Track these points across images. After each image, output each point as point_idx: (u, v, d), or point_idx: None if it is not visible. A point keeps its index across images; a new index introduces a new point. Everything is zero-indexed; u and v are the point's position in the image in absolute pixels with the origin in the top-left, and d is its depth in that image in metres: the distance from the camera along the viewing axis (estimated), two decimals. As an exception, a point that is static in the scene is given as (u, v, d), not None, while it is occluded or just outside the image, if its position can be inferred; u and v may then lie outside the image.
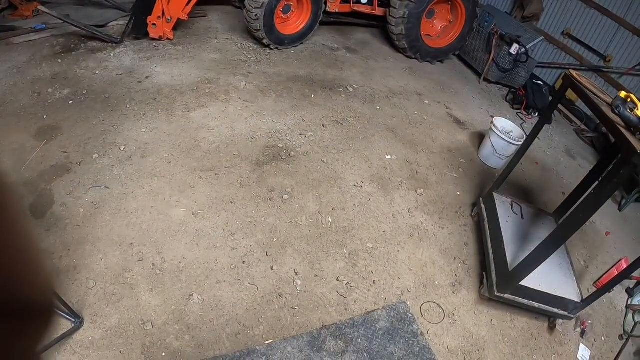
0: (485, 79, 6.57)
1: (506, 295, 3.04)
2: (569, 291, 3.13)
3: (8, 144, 3.64)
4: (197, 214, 3.34)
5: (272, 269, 3.08)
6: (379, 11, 6.50)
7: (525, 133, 4.47)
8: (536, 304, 3.08)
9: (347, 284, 3.10)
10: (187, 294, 2.81)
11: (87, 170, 3.53)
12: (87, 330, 2.54)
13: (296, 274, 3.08)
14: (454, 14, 6.55)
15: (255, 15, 5.31)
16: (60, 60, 4.82)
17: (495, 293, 3.06)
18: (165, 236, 3.14)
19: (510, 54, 6.14)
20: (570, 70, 3.02)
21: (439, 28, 6.75)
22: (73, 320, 2.51)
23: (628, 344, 3.32)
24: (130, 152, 3.76)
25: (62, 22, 5.06)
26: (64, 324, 2.51)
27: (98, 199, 3.31)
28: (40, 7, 5.09)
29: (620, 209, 4.84)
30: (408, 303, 3.07)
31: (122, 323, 2.61)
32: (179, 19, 5.41)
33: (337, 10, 6.35)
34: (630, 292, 3.72)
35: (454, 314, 3.10)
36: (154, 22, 5.24)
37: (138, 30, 5.36)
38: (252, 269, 3.05)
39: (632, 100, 2.50)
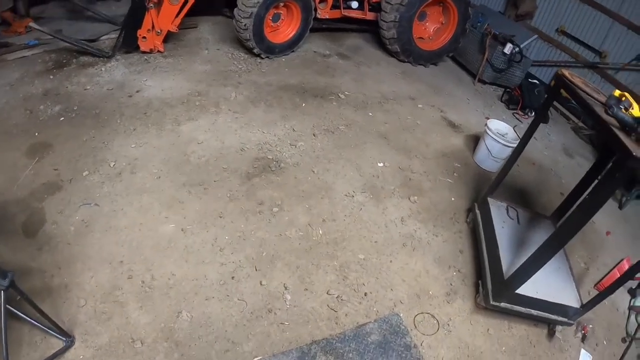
0: (480, 80, 6.52)
1: (502, 304, 2.99)
2: (568, 297, 3.07)
3: (0, 162, 3.64)
4: (186, 229, 3.32)
5: (261, 284, 3.04)
6: (369, 16, 6.48)
7: (519, 136, 4.41)
8: (534, 312, 3.03)
9: (337, 297, 3.06)
10: (176, 311, 2.79)
11: (77, 187, 3.53)
12: (78, 349, 2.54)
13: (286, 288, 3.05)
14: (446, 15, 6.51)
15: (245, 25, 5.30)
16: (52, 77, 4.82)
17: (491, 302, 3.01)
18: (155, 253, 3.12)
19: (505, 54, 6.10)
20: (562, 69, 2.96)
21: (432, 30, 6.70)
22: (64, 339, 2.52)
23: (631, 347, 3.26)
24: (120, 168, 3.75)
25: (53, 37, 5.07)
26: (55, 343, 2.51)
27: (88, 217, 3.30)
28: (32, 24, 5.12)
29: (620, 207, 4.78)
30: (401, 315, 3.02)
31: (112, 341, 2.60)
32: (169, 31, 5.40)
33: (327, 17, 6.33)
34: (632, 293, 3.64)
35: (448, 325, 3.05)
36: (144, 35, 5.24)
37: (129, 43, 5.36)
38: (241, 284, 3.02)
39: (626, 99, 2.43)
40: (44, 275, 2.88)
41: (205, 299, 2.89)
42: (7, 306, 2.19)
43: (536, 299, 2.96)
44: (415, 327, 2.99)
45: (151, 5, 5.01)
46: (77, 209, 3.35)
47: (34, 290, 2.71)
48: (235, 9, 5.38)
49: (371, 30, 6.89)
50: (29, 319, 2.45)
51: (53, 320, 2.46)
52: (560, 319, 3.05)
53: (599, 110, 2.52)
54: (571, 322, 3.07)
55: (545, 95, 5.90)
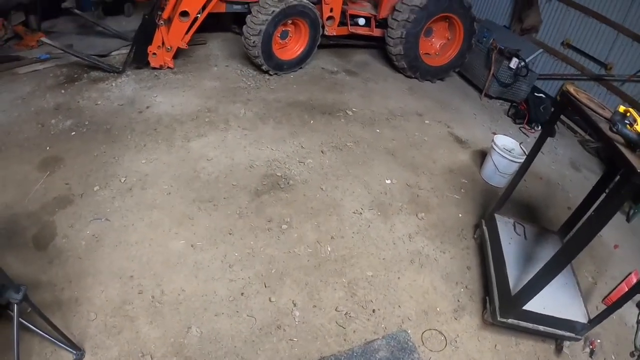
0: (487, 95, 6.55)
1: (509, 320, 2.98)
2: (576, 312, 3.05)
3: (12, 175, 3.70)
4: (195, 245, 3.35)
5: (270, 300, 3.06)
6: (376, 32, 6.55)
7: (525, 152, 4.42)
8: (541, 328, 3.02)
9: (346, 313, 3.07)
10: (185, 326, 2.81)
11: (88, 202, 3.57)
12: (87, 363, 2.55)
13: (294, 305, 3.06)
14: (451, 31, 6.58)
15: (253, 42, 5.37)
16: (63, 91, 4.89)
17: (498, 318, 3.00)
18: (165, 268, 3.15)
19: (510, 68, 6.13)
20: (567, 85, 2.97)
21: (438, 46, 6.77)
22: (74, 352, 2.54)
23: (639, 362, 3.24)
24: (130, 183, 3.79)
25: (64, 52, 5.16)
26: (65, 356, 2.53)
27: (99, 232, 3.34)
28: (43, 39, 5.19)
29: (628, 220, 4.75)
30: (409, 331, 3.03)
31: (121, 355, 2.61)
32: (179, 47, 5.48)
33: (335, 34, 6.39)
34: (641, 307, 3.61)
35: (456, 341, 3.05)
36: (154, 51, 5.32)
37: (139, 59, 5.44)
38: (250, 300, 3.04)
39: (631, 115, 2.44)
40: (54, 289, 2.90)
41: (214, 315, 2.91)
42: (19, 319, 2.21)
43: (543, 314, 2.95)
44: (423, 343, 2.99)
45: (161, 22, 5.10)
46: (88, 223, 3.39)
47: (45, 303, 2.73)
48: (244, 27, 5.46)
49: (378, 46, 6.95)
50: (39, 332, 2.47)
51: (63, 333, 2.49)
52: (567, 334, 3.03)
53: (604, 126, 2.53)
54: (579, 337, 3.05)
55: (552, 109, 5.93)
